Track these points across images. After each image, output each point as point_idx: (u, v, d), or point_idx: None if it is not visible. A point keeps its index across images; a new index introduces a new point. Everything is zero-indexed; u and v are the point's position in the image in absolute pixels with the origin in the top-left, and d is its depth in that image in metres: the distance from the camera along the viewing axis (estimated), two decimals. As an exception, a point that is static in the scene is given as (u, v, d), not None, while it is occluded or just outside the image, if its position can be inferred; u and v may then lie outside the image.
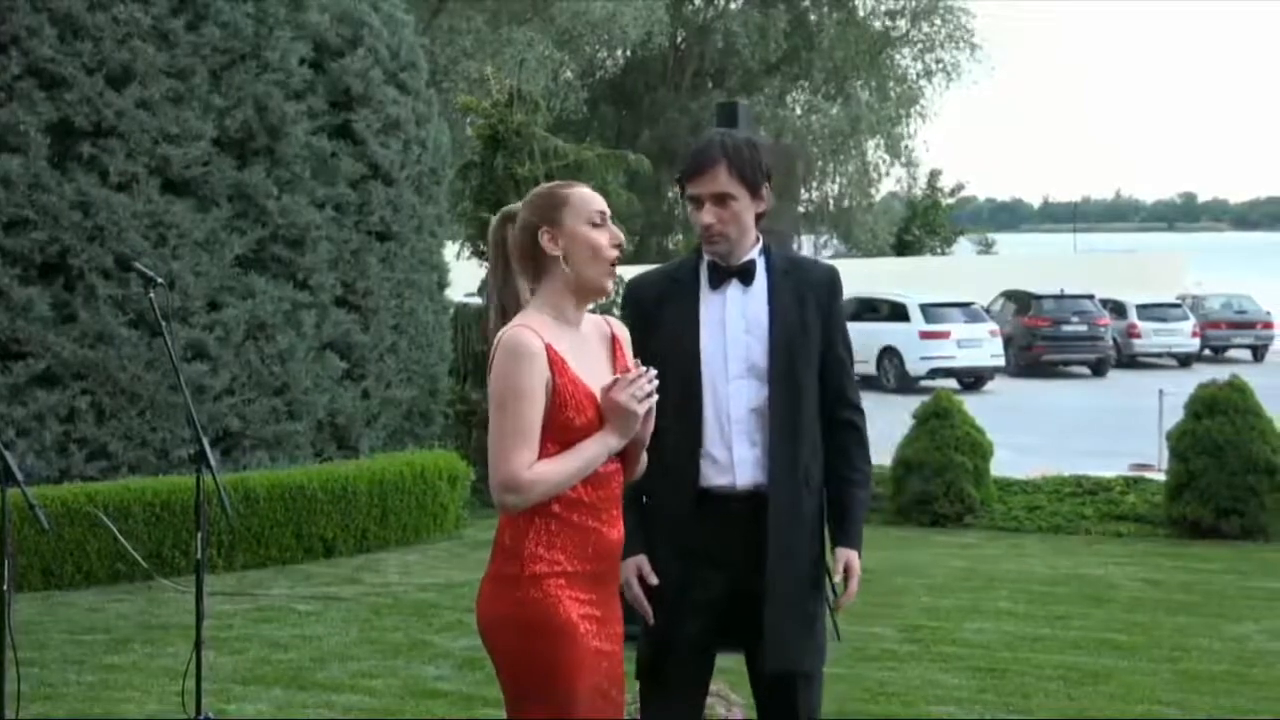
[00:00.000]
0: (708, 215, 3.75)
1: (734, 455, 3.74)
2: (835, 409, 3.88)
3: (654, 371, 3.30)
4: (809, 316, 3.80)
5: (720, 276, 3.81)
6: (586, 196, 3.33)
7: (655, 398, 3.29)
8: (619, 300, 3.96)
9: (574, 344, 3.30)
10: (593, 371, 3.31)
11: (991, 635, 7.91)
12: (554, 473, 3.20)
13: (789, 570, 3.75)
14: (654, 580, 3.72)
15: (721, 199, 3.75)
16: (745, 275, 3.81)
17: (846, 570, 3.81)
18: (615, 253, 3.32)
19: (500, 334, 3.24)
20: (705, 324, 3.78)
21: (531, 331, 3.22)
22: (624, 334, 3.46)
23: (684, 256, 3.99)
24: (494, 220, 3.39)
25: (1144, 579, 9.65)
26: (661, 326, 3.77)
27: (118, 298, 10.01)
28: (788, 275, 3.84)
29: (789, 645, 3.73)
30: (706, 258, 3.83)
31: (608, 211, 3.35)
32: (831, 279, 3.89)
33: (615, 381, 3.27)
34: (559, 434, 3.22)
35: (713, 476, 3.74)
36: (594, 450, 3.25)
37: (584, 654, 3.23)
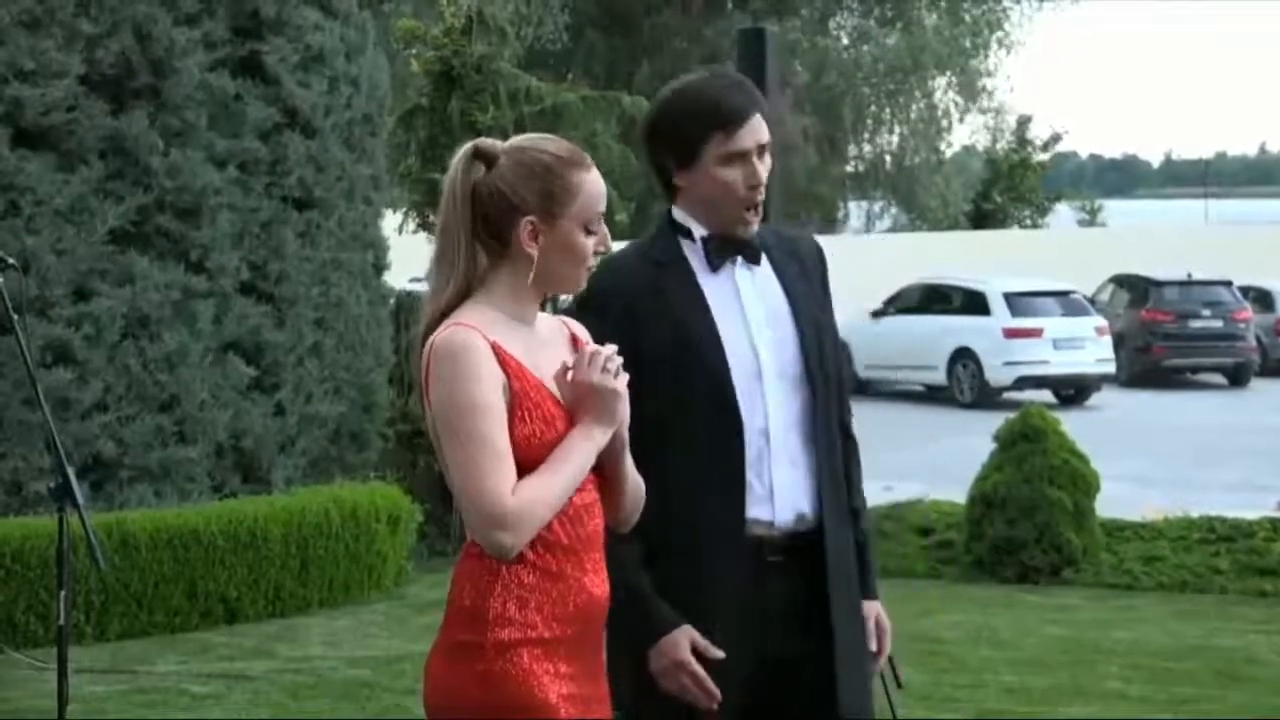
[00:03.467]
0: (763, 171, 3.83)
1: (774, 481, 3.80)
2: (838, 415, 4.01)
3: (614, 347, 3.34)
4: (819, 296, 3.94)
5: (719, 254, 3.87)
6: (596, 192, 3.35)
7: (626, 376, 3.33)
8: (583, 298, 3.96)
9: (530, 345, 3.33)
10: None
11: (1097, 725, 7.92)
12: (545, 490, 3.22)
13: (856, 629, 3.87)
14: (718, 654, 3.71)
15: (764, 151, 3.85)
16: (749, 251, 3.89)
17: (878, 628, 3.97)
18: (593, 259, 3.38)
19: (430, 341, 3.27)
20: (719, 315, 3.83)
21: (471, 329, 3.25)
22: (586, 336, 3.50)
23: (652, 233, 4.00)
24: (459, 158, 3.37)
25: (1296, 651, 9.68)
26: (659, 326, 3.80)
27: (-44, 284, 10.00)
28: (780, 248, 3.95)
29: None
30: (699, 233, 3.87)
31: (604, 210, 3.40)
32: (819, 251, 4.04)
33: (573, 364, 3.31)
34: (523, 456, 3.24)
35: (750, 511, 3.79)
36: (580, 449, 3.27)
37: (565, 747, 3.25)
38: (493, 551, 3.21)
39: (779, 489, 3.79)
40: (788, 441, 3.81)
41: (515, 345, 3.29)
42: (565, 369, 3.30)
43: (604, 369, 3.29)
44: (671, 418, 3.52)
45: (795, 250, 3.96)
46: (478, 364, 3.21)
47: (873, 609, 3.96)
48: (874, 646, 3.92)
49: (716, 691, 3.70)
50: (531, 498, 3.20)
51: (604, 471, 3.36)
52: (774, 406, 3.81)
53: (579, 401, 3.28)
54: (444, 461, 3.26)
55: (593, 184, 3.35)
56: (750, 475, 3.78)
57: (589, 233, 3.34)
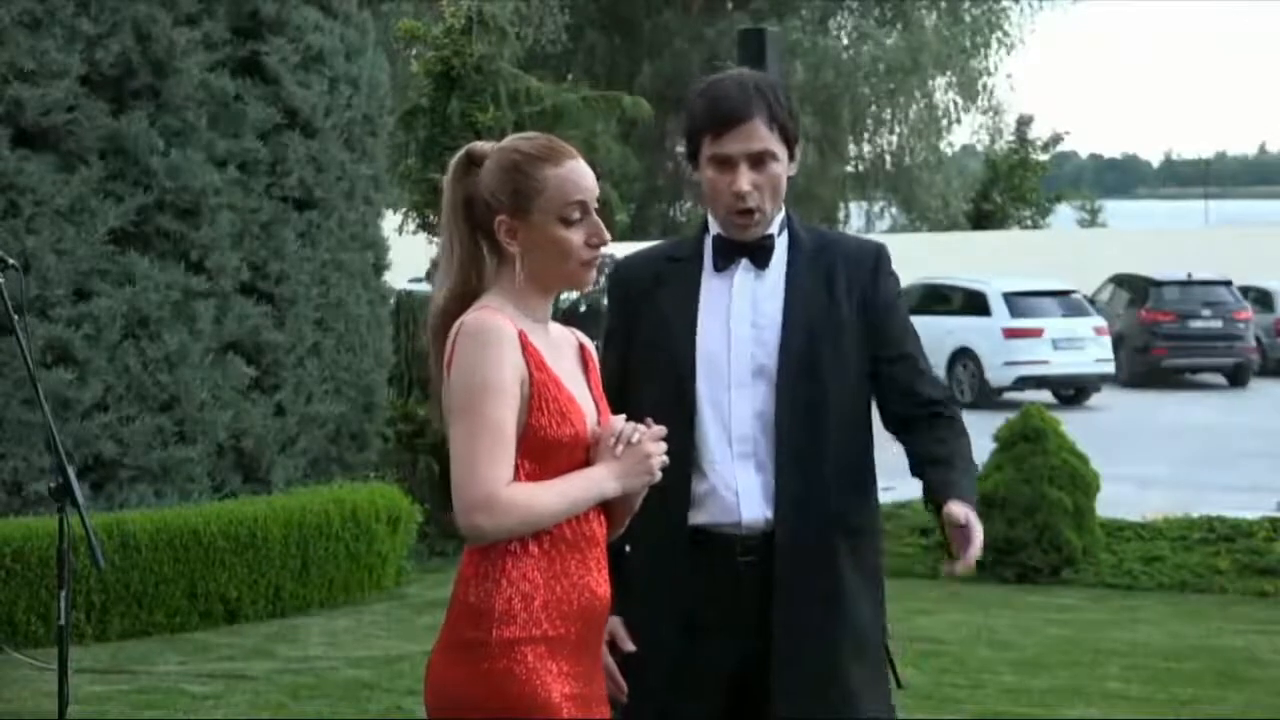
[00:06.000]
0: (744, 181, 3.80)
1: (738, 483, 3.80)
2: (905, 411, 3.91)
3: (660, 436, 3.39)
4: (841, 305, 3.86)
5: (728, 255, 3.87)
6: (567, 183, 3.34)
7: (660, 476, 3.38)
8: (605, 288, 4.03)
9: (547, 343, 3.36)
10: (572, 379, 3.38)
11: (1097, 725, 7.91)
12: (537, 501, 3.24)
13: (813, 633, 3.78)
14: (629, 646, 3.75)
15: (760, 160, 3.82)
16: (759, 254, 3.88)
17: (964, 527, 3.64)
18: (591, 252, 3.37)
19: (460, 321, 3.29)
20: (705, 313, 3.84)
21: (499, 315, 3.28)
22: (593, 350, 3.53)
23: (687, 234, 4.05)
24: (453, 164, 3.40)
25: (1297, 651, 9.67)
26: (649, 319, 3.84)
27: (-44, 284, 10.00)
28: (816, 255, 3.90)
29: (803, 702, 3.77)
30: (713, 232, 3.89)
31: (593, 199, 3.38)
32: (876, 254, 3.96)
33: (642, 428, 3.33)
34: (533, 447, 3.25)
35: (714, 512, 3.80)
36: (594, 487, 3.30)
37: (566, 745, 3.25)
38: (466, 532, 3.23)
39: (744, 491, 3.79)
40: (756, 444, 3.80)
41: (535, 337, 3.32)
42: (633, 427, 3.33)
43: (661, 451, 3.34)
44: (642, 410, 3.51)
45: (837, 257, 3.91)
46: (502, 348, 3.24)
47: (957, 509, 3.65)
48: (968, 546, 3.64)
49: (622, 683, 3.72)
50: (523, 501, 3.22)
51: (610, 511, 3.40)
52: (739, 408, 3.80)
53: (623, 456, 3.32)
54: (452, 434, 3.28)
55: (560, 178, 3.34)
56: (713, 476, 3.79)
57: (567, 225, 3.34)
